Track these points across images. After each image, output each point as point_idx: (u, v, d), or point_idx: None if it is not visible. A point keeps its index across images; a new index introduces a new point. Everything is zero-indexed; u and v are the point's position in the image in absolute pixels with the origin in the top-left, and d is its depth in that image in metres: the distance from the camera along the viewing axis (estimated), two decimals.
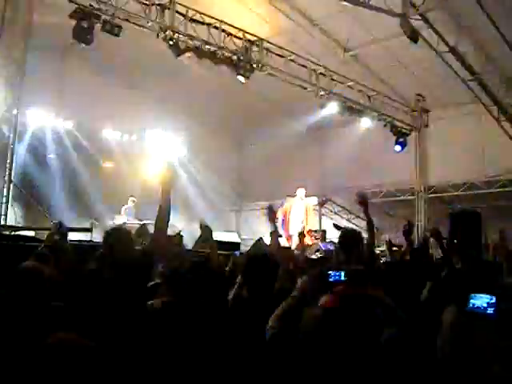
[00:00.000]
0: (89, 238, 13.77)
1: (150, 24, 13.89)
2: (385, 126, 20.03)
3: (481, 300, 3.76)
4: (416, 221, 20.52)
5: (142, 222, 16.77)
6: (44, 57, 17.62)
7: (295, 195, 17.29)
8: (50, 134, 20.02)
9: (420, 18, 14.60)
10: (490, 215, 22.44)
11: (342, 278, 3.57)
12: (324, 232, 19.25)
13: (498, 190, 21.72)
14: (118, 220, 18.03)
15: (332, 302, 3.25)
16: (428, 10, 14.31)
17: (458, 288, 4.55)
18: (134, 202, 19.00)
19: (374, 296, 3.47)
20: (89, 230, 14.66)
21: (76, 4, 12.60)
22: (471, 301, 3.79)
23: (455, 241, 15.34)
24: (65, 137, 20.26)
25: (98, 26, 12.90)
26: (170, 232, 5.47)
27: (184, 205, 23.51)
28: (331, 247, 16.14)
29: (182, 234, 13.49)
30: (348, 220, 26.90)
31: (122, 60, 19.56)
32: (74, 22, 12.64)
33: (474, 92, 17.40)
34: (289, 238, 16.51)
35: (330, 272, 3.64)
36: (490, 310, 3.68)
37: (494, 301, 3.67)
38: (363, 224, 22.50)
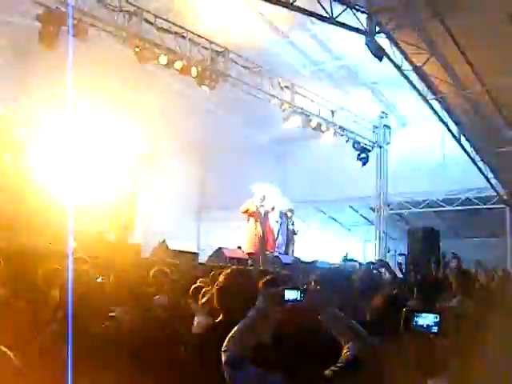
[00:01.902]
0: None
1: (117, 30, 13.81)
2: (347, 141, 20.13)
3: (425, 319, 3.81)
4: (375, 237, 20.65)
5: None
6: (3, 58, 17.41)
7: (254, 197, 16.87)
8: None
9: (385, 36, 14.74)
10: (449, 232, 22.78)
11: (298, 297, 3.55)
12: (287, 244, 19.28)
13: (458, 207, 22.02)
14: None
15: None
16: (393, 29, 14.45)
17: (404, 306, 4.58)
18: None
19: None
20: None
21: (43, 6, 12.45)
22: (415, 319, 3.85)
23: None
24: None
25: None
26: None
27: (145, 212, 23.39)
28: (290, 260, 16.22)
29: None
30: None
31: (88, 63, 19.37)
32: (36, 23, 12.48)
33: (436, 111, 17.59)
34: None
35: (285, 291, 3.62)
36: (434, 329, 3.73)
37: (438, 320, 3.73)
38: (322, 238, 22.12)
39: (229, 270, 4.38)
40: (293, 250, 18.55)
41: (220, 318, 4.13)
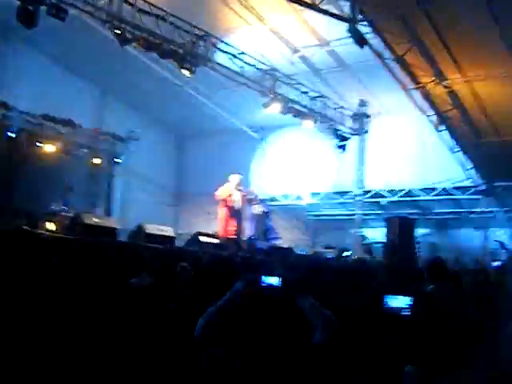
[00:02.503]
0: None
1: (96, 11, 13.65)
2: (327, 128, 20.12)
3: (397, 301, 3.83)
4: (353, 225, 20.71)
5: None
6: None
7: (229, 182, 16.66)
8: None
9: (368, 24, 14.74)
10: (426, 222, 22.91)
11: (275, 283, 3.53)
12: (265, 231, 19.25)
13: (435, 197, 22.15)
14: (53, 208, 17.71)
15: None
16: (376, 17, 14.44)
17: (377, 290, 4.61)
18: (68, 190, 18.67)
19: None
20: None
21: None
22: (388, 301, 3.85)
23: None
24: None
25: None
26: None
27: (122, 197, 23.32)
28: (265, 246, 16.27)
29: None
30: (284, 220, 27.04)
31: (69, 46, 19.20)
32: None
33: (416, 101, 17.64)
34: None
35: (261, 277, 3.60)
36: (406, 312, 3.74)
37: (410, 302, 3.74)
38: (299, 224, 22.48)
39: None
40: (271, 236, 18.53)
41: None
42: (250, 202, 17.26)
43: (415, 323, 3.74)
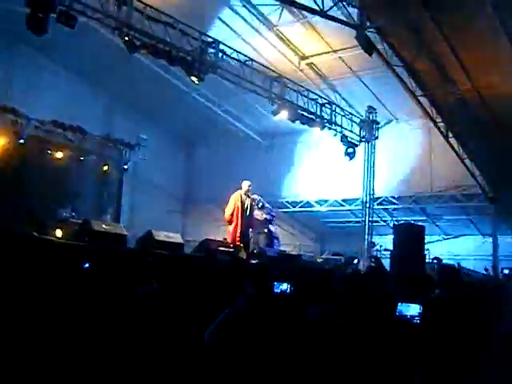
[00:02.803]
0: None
1: (106, 18, 13.69)
2: (335, 135, 20.10)
3: (408, 309, 3.83)
4: (361, 230, 20.67)
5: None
6: None
7: (240, 188, 16.44)
8: None
9: (376, 31, 14.73)
10: (434, 229, 22.87)
11: (287, 290, 3.54)
12: (272, 238, 19.19)
13: (444, 204, 22.11)
14: (62, 215, 17.78)
15: None
16: (384, 24, 14.43)
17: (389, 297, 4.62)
18: (76, 196, 18.75)
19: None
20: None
21: None
22: (399, 309, 3.86)
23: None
24: (11, 126, 19.76)
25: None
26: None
27: (131, 204, 23.38)
28: (274, 253, 16.20)
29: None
30: (293, 227, 27.06)
31: (79, 54, 19.29)
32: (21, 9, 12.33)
33: (424, 107, 17.61)
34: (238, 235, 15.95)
35: (274, 283, 3.61)
36: (417, 319, 3.75)
37: (420, 310, 3.74)
38: (308, 231, 22.49)
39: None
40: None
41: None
42: (257, 207, 17.11)
43: (425, 330, 3.74)
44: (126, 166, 23.44)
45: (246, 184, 15.70)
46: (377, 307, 4.18)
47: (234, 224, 15.60)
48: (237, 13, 17.79)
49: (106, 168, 22.79)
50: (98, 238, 12.94)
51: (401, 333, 3.92)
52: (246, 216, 15.70)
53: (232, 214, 15.55)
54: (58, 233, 15.98)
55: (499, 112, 17.05)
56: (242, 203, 15.59)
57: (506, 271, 7.95)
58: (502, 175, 20.42)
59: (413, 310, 3.80)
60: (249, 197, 15.80)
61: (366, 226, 20.65)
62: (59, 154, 20.82)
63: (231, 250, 15.57)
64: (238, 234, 15.54)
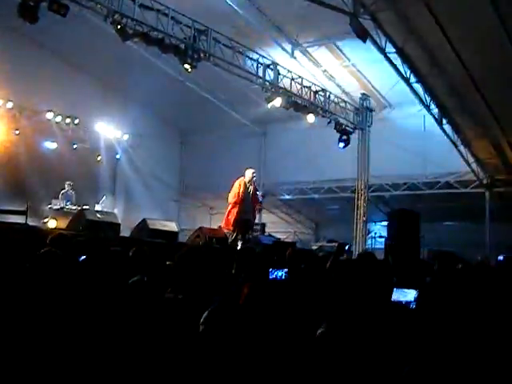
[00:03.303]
0: (23, 221, 13.50)
1: (98, 6, 13.62)
2: (329, 123, 20.08)
3: (404, 294, 3.84)
4: (355, 218, 20.68)
5: (79, 208, 16.64)
6: None
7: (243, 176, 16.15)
8: None
9: (370, 17, 14.70)
10: (429, 216, 22.88)
11: (282, 276, 3.54)
12: (263, 225, 19.22)
13: (438, 191, 22.13)
14: (55, 205, 17.78)
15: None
16: (378, 11, 14.41)
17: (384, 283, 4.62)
18: (70, 186, 18.68)
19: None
20: (24, 212, 14.34)
21: None
22: (395, 294, 3.87)
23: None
24: (5, 117, 19.78)
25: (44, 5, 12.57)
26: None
27: (125, 193, 23.36)
28: (269, 241, 16.14)
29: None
30: (288, 214, 27.09)
31: (69, 42, 19.23)
32: None
33: (418, 94, 17.61)
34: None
35: (270, 270, 3.61)
36: (413, 305, 3.75)
37: (416, 295, 3.75)
38: (303, 218, 22.51)
39: (183, 250, 4.43)
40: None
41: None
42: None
43: (420, 316, 3.74)
44: (118, 156, 23.52)
45: (249, 172, 15.39)
46: (371, 293, 4.18)
47: (233, 210, 15.36)
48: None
49: (99, 158, 22.87)
50: (93, 227, 12.94)
51: (397, 319, 3.92)
52: (248, 203, 15.43)
53: (235, 200, 15.28)
54: (52, 223, 16.02)
55: (490, 92, 17.03)
56: (245, 191, 15.34)
57: (501, 257, 7.95)
58: (496, 161, 20.49)
59: (409, 295, 3.80)
60: (252, 184, 15.50)
61: (361, 213, 20.68)
62: (53, 144, 20.88)
63: (225, 237, 15.52)
64: (233, 222, 15.32)
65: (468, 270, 7.72)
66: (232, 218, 15.23)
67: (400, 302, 3.82)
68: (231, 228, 15.30)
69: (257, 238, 16.37)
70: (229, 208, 15.32)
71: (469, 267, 7.95)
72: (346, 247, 18.37)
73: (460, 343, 3.18)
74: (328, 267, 5.60)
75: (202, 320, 3.34)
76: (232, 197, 15.09)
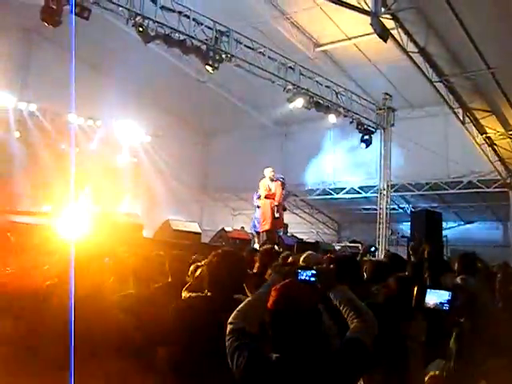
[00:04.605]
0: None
1: (119, 9, 13.69)
2: (351, 123, 20.04)
3: (437, 296, 3.80)
4: (378, 219, 20.59)
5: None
6: (8, 37, 17.38)
7: (263, 177, 16.15)
8: (13, 115, 19.67)
9: (391, 17, 14.64)
10: (451, 215, 22.78)
11: (312, 278, 3.53)
12: (286, 226, 19.18)
13: (461, 191, 22.00)
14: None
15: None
16: (399, 10, 14.35)
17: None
18: (91, 188, 18.81)
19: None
20: (48, 213, 14.49)
21: None
22: (428, 297, 3.84)
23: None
24: (28, 119, 19.94)
25: (66, 8, 12.65)
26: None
27: (147, 194, 23.44)
28: (292, 242, 16.14)
29: None
30: (310, 215, 27.06)
31: (91, 45, 19.34)
32: (41, 2, 12.37)
33: (441, 94, 17.51)
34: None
35: (299, 271, 3.60)
36: (446, 307, 3.72)
37: (449, 297, 3.71)
38: (325, 219, 22.47)
39: (219, 251, 4.43)
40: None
41: (208, 294, 4.19)
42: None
43: (455, 317, 3.71)
44: (135, 159, 23.68)
45: (268, 171, 15.48)
46: (405, 294, 4.15)
47: (265, 210, 15.34)
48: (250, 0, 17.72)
49: (121, 159, 23.04)
50: (116, 228, 13.02)
51: (432, 320, 3.91)
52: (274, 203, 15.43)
53: (266, 195, 15.30)
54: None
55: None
56: (270, 190, 15.40)
57: None
58: None
59: (442, 296, 3.77)
60: (273, 181, 15.52)
61: (384, 213, 20.59)
62: (75, 146, 21.06)
63: (248, 239, 15.55)
64: (271, 221, 15.26)
65: (488, 272, 7.69)
66: (265, 216, 15.21)
67: (434, 304, 3.79)
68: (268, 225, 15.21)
69: (279, 238, 16.34)
70: (262, 206, 15.36)
71: (488, 269, 7.91)
72: (372, 249, 18.28)
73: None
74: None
75: (233, 315, 3.36)
76: (263, 193, 15.18)
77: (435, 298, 3.78)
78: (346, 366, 3.01)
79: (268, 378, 2.95)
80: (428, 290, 3.86)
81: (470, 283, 6.15)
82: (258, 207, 15.84)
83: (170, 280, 5.88)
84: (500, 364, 3.23)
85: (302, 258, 6.20)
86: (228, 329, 3.27)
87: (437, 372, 3.87)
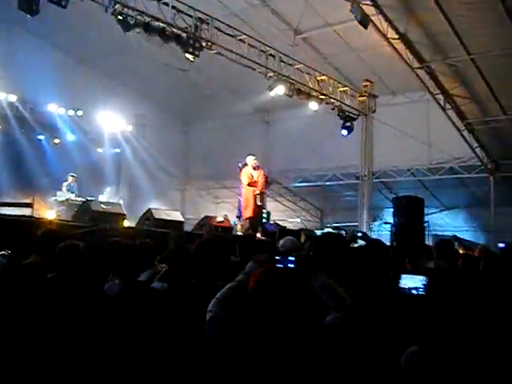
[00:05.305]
0: (29, 214, 13.55)
1: None
2: (332, 109, 20.06)
3: (412, 281, 3.83)
4: (360, 205, 20.66)
5: (83, 199, 16.68)
6: None
7: (246, 164, 16.02)
8: None
9: (371, 3, 14.66)
10: (433, 201, 22.88)
11: (290, 264, 3.52)
12: (268, 213, 19.18)
13: (442, 176, 22.11)
14: (60, 197, 17.80)
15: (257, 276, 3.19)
16: None
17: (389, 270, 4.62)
18: (73, 178, 18.66)
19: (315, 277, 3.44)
20: (29, 205, 14.41)
21: None
22: (402, 281, 3.86)
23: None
24: (8, 110, 19.79)
25: None
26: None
27: (129, 183, 23.37)
28: (275, 229, 16.12)
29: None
30: (293, 202, 27.09)
31: (72, 35, 19.23)
32: None
33: (422, 80, 17.56)
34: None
35: (277, 257, 3.59)
36: (421, 291, 3.74)
37: (425, 282, 3.73)
38: (308, 206, 22.54)
39: (202, 239, 4.45)
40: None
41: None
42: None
43: (430, 302, 3.73)
44: (118, 150, 23.63)
45: (250, 159, 15.40)
46: (379, 280, 4.18)
47: (247, 198, 15.29)
48: None
49: (102, 149, 23.00)
50: (98, 217, 12.96)
51: (405, 305, 3.93)
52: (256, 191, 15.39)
53: (248, 183, 15.20)
54: (51, 214, 16.07)
55: (494, 81, 17.02)
56: (252, 178, 15.32)
57: (502, 245, 7.88)
58: (500, 146, 20.47)
59: (418, 281, 3.79)
60: (256, 169, 15.43)
61: (366, 200, 20.67)
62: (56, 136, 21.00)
63: (231, 227, 15.53)
64: (253, 208, 15.21)
65: (469, 256, 7.75)
66: (247, 204, 15.17)
67: (408, 288, 3.81)
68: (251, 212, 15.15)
69: (262, 226, 16.33)
70: (244, 193, 15.31)
71: (470, 254, 7.97)
72: (359, 234, 18.25)
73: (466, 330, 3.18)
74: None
75: (211, 304, 3.36)
76: (246, 180, 15.09)
77: (411, 282, 3.81)
78: (322, 352, 3.02)
79: (246, 364, 2.96)
80: (403, 275, 3.89)
81: (442, 267, 6.22)
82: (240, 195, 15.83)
83: None
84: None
85: (280, 244, 6.22)
86: (207, 317, 3.28)
87: None
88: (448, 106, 18.70)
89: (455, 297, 3.37)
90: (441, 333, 3.19)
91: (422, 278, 3.78)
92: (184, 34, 15.06)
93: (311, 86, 19.09)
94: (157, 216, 14.10)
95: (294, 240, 6.64)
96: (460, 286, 3.46)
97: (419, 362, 3.08)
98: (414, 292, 3.79)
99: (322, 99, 19.52)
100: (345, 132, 20.36)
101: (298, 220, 26.39)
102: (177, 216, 15.09)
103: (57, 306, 4.10)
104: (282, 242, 6.37)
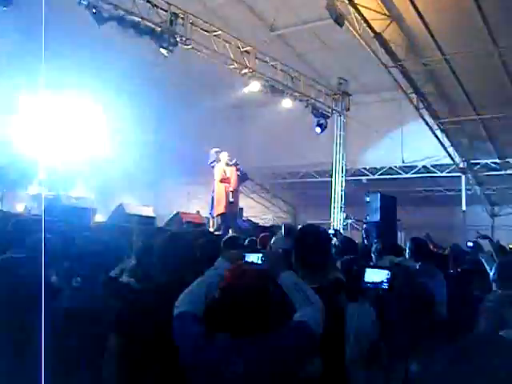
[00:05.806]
0: None
1: None
2: (306, 107, 20.08)
3: (376, 274, 3.85)
4: (332, 202, 20.73)
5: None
6: None
7: (219, 160, 15.90)
8: None
9: (347, 2, 14.69)
10: (406, 200, 23.01)
11: (258, 261, 3.53)
12: (241, 210, 19.14)
13: (415, 175, 22.26)
14: (32, 191, 17.61)
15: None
16: None
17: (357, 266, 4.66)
18: (46, 172, 18.44)
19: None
20: None
21: None
22: (367, 275, 3.88)
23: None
24: None
25: None
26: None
27: (102, 178, 23.19)
28: (248, 226, 16.13)
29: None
30: (266, 199, 27.10)
31: (49, 29, 19.01)
32: None
33: (395, 79, 17.64)
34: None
35: (245, 254, 3.60)
36: (385, 285, 3.76)
37: (389, 276, 3.75)
38: (281, 203, 22.55)
39: (166, 235, 4.44)
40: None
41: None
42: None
43: (392, 297, 3.76)
44: None
45: (224, 155, 15.31)
46: (349, 275, 4.20)
47: (221, 195, 15.17)
48: None
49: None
50: (68, 212, 12.82)
51: (367, 300, 3.96)
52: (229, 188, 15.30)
53: (221, 179, 15.06)
54: (20, 207, 15.91)
55: (467, 81, 17.18)
56: (225, 174, 15.20)
57: (470, 244, 7.94)
58: (472, 145, 20.66)
59: (382, 275, 3.81)
60: (229, 166, 15.33)
61: (338, 197, 20.75)
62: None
63: (203, 223, 15.48)
64: (224, 205, 15.12)
65: (440, 255, 7.84)
66: (219, 199, 15.04)
67: (372, 283, 3.83)
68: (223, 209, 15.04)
69: (235, 223, 16.29)
70: (217, 190, 15.19)
71: (441, 252, 8.06)
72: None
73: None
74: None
75: (179, 300, 3.35)
76: (218, 176, 14.97)
77: (375, 276, 3.83)
78: (289, 348, 3.04)
79: (214, 360, 2.97)
80: (368, 270, 3.91)
81: (407, 263, 6.28)
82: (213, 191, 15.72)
83: None
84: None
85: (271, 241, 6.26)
86: (174, 312, 3.27)
87: None
88: (421, 106, 18.82)
89: (415, 292, 3.40)
90: (401, 326, 3.22)
91: (386, 272, 3.80)
92: (158, 29, 14.97)
93: (285, 83, 19.10)
94: (129, 211, 14.04)
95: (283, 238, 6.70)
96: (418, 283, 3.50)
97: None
98: (378, 286, 3.81)
99: (296, 96, 19.53)
100: (318, 130, 20.39)
101: (270, 217, 26.41)
102: (148, 212, 15.03)
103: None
104: (274, 239, 6.43)
